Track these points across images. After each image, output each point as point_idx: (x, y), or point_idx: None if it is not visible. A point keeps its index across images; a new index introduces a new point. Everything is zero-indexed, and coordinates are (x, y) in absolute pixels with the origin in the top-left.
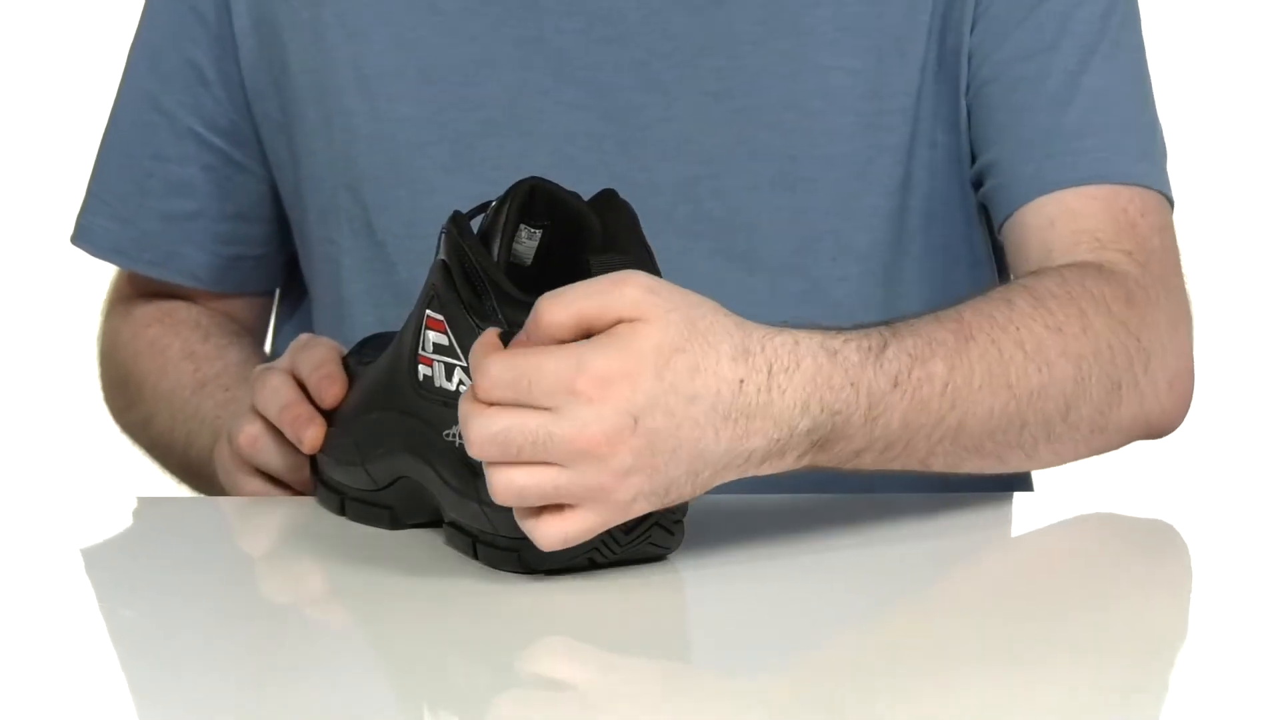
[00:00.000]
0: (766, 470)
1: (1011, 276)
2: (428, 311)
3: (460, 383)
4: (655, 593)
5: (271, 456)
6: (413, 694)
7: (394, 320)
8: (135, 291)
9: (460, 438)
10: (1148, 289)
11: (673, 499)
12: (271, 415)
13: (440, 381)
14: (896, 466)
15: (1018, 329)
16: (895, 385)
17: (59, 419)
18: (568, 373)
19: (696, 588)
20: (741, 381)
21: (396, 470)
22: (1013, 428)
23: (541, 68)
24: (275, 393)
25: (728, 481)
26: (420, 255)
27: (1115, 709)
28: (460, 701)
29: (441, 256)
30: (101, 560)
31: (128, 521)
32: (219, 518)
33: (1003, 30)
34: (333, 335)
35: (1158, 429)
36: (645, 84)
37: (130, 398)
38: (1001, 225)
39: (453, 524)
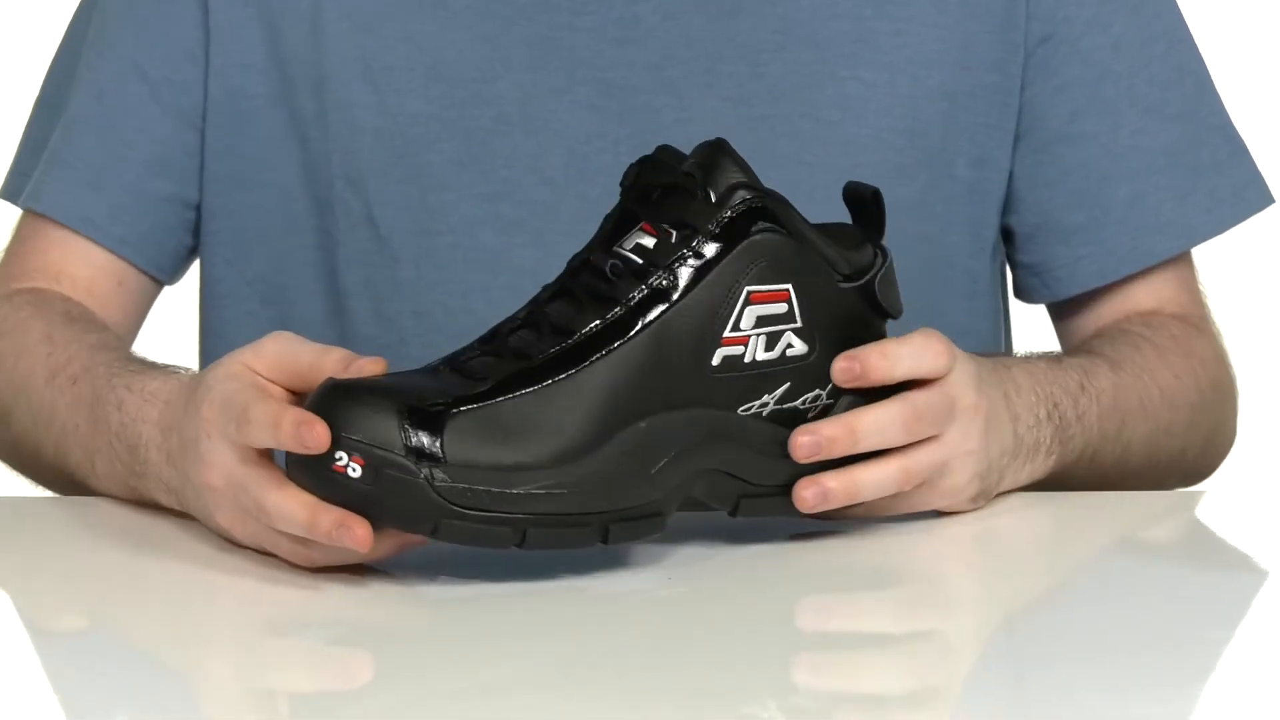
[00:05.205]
0: (1029, 473)
1: (1072, 334)
2: (749, 288)
3: (788, 346)
4: (659, 599)
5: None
6: (405, 698)
7: (395, 312)
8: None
9: (773, 404)
10: (1220, 356)
11: (989, 485)
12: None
13: (756, 354)
14: (1088, 483)
15: (1151, 371)
16: (1082, 390)
17: None
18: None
19: (701, 594)
20: (994, 370)
21: (691, 467)
22: (1153, 457)
23: (555, 68)
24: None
25: (1006, 489)
26: (428, 250)
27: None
28: (461, 704)
29: (765, 231)
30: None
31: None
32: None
33: (1064, 89)
34: (327, 324)
35: (1204, 477)
36: (661, 86)
37: None
38: (1074, 293)
39: (759, 493)
